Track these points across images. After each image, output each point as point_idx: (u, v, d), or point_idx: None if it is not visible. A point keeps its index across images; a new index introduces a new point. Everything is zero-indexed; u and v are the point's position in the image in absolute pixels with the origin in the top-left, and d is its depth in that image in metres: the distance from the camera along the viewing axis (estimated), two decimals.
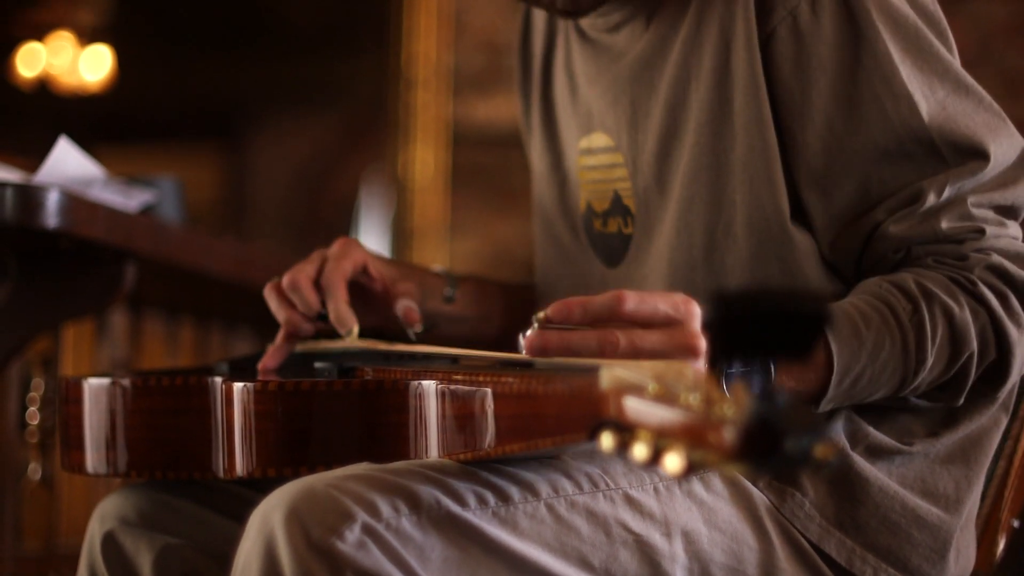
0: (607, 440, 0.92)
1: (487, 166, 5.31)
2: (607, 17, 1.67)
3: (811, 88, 1.47)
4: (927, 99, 1.46)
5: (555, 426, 1.12)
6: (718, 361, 0.89)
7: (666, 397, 0.92)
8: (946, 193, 1.44)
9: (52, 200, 1.96)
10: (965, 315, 1.41)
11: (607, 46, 1.69)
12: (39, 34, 6.57)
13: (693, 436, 0.84)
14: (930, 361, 1.40)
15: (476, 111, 5.35)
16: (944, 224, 1.44)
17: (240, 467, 1.35)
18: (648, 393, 0.94)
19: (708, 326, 0.90)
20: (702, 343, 1.21)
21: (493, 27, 5.28)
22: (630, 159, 1.65)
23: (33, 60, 6.60)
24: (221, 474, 1.41)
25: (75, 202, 2.01)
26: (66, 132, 2.21)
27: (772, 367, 0.89)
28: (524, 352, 1.24)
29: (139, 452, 1.47)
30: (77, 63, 6.59)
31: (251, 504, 1.50)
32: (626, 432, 0.93)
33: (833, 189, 1.48)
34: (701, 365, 1.20)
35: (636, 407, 0.95)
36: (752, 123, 1.50)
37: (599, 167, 1.71)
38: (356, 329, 1.60)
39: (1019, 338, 1.44)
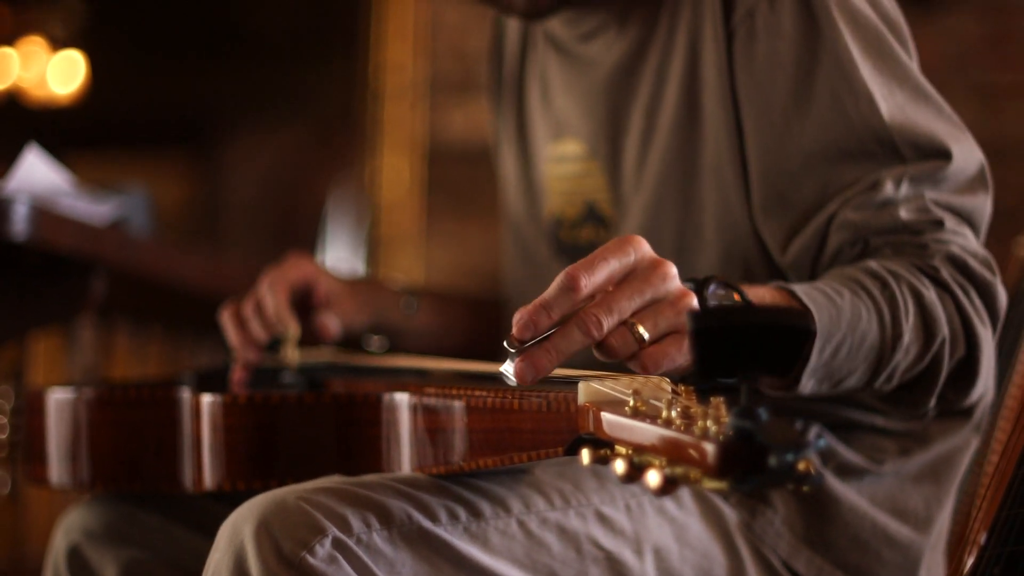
0: (586, 456, 0.91)
1: (459, 175, 5.31)
2: (579, 26, 1.66)
3: (770, 88, 1.46)
4: (886, 100, 1.43)
5: (531, 441, 1.11)
6: (699, 374, 0.88)
7: (645, 413, 0.91)
8: (903, 187, 1.40)
9: (20, 212, 1.95)
10: (932, 296, 1.34)
11: (580, 56, 1.69)
12: (10, 41, 6.54)
13: (674, 452, 0.83)
14: (906, 338, 1.31)
15: (448, 119, 5.35)
16: (903, 213, 1.40)
17: (209, 480, 1.35)
18: (627, 408, 0.93)
19: (690, 338, 0.87)
20: (669, 266, 1.13)
21: (464, 36, 5.27)
22: (610, 167, 1.65)
23: (4, 68, 6.56)
24: (189, 487, 1.40)
25: (43, 215, 2.00)
26: (36, 139, 2.20)
27: (754, 381, 0.87)
28: (515, 383, 1.12)
29: (104, 465, 1.46)
30: (49, 70, 6.56)
31: (218, 518, 1.49)
32: (604, 448, 0.92)
33: (792, 192, 1.45)
34: (679, 286, 1.13)
35: (614, 422, 0.94)
36: (721, 125, 1.49)
37: (570, 176, 1.71)
38: (294, 327, 1.62)
39: (985, 335, 1.37)
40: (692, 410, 0.88)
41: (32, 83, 6.54)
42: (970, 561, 1.62)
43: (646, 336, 1.10)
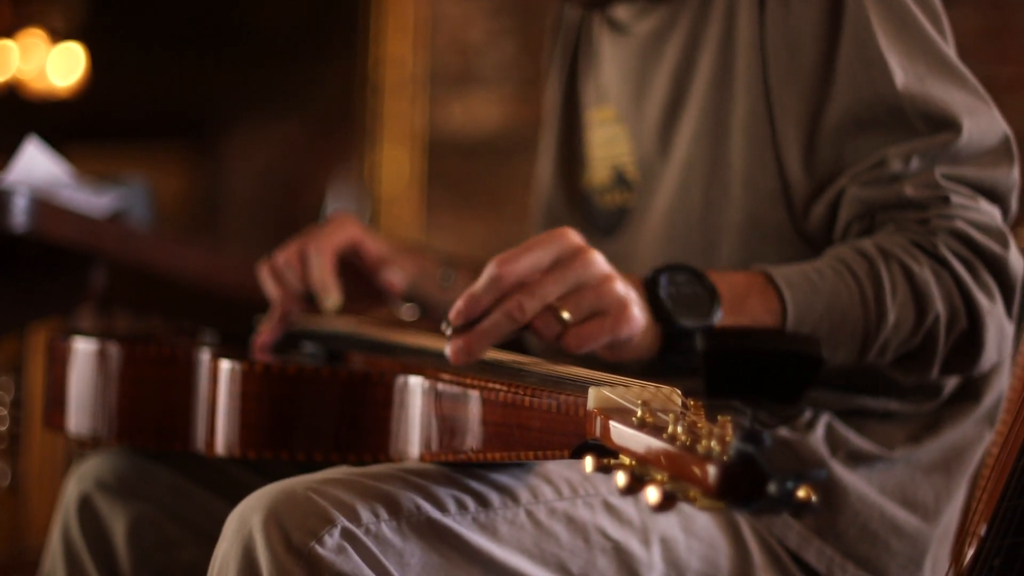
0: (589, 464, 0.92)
1: (458, 169, 5.31)
2: (631, 6, 1.68)
3: (798, 53, 1.48)
4: (904, 69, 1.44)
5: (538, 440, 1.12)
6: (705, 395, 0.89)
7: (652, 425, 0.92)
8: (913, 161, 1.42)
9: (19, 204, 1.95)
10: (925, 273, 1.37)
11: (629, 31, 1.70)
12: (10, 34, 6.54)
13: (676, 468, 0.84)
14: (891, 316, 1.36)
15: (448, 113, 5.35)
16: (908, 189, 1.42)
17: (221, 445, 1.36)
18: (634, 419, 0.95)
19: (700, 358, 0.89)
20: (593, 253, 1.21)
21: (464, 29, 5.27)
22: (633, 128, 1.66)
23: (4, 60, 6.56)
24: (201, 449, 1.41)
25: (43, 206, 2.00)
26: (36, 131, 2.20)
27: (759, 405, 0.88)
28: (452, 363, 1.24)
29: (121, 419, 1.48)
30: (48, 64, 6.56)
31: (230, 477, 1.50)
32: (609, 456, 0.93)
33: (812, 157, 1.48)
34: (602, 269, 1.21)
35: (621, 432, 0.95)
36: (753, 85, 1.51)
37: (603, 142, 1.72)
38: (336, 297, 1.62)
39: (991, 308, 1.40)
40: (699, 425, 0.89)
41: (32, 75, 6.54)
42: (970, 553, 1.62)
43: (567, 318, 1.19)
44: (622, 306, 1.20)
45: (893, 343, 1.38)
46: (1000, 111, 1.50)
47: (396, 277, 1.67)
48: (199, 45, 6.91)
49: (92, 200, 2.27)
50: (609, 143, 1.70)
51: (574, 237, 1.22)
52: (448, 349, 1.23)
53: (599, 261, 1.21)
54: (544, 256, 1.21)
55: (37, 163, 2.19)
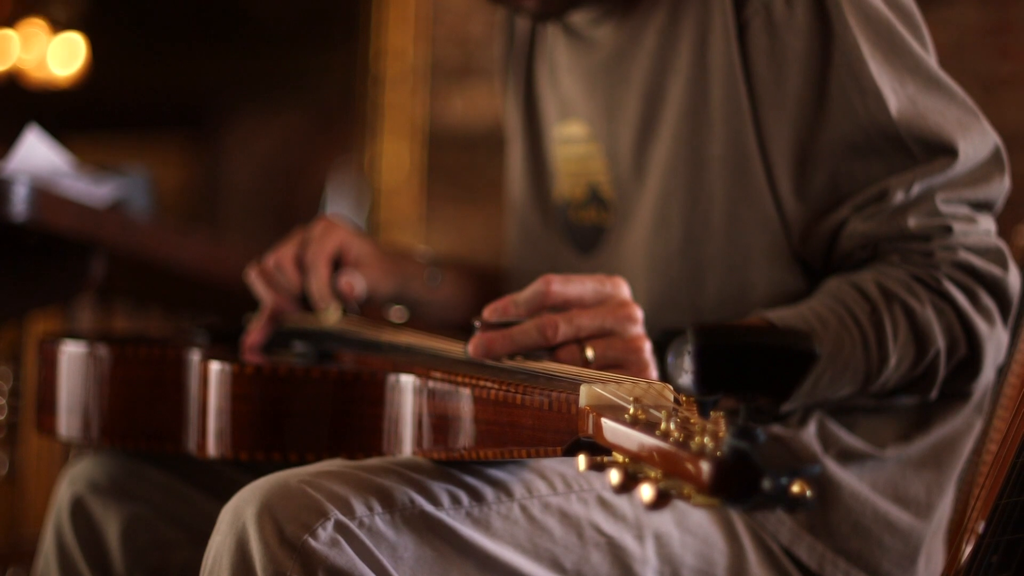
0: (583, 462, 0.92)
1: (458, 161, 5.30)
2: (589, 12, 1.66)
3: (786, 81, 1.47)
4: (896, 94, 1.45)
5: (531, 437, 1.12)
6: (699, 391, 0.89)
7: (644, 422, 0.92)
8: (914, 190, 1.44)
9: (19, 193, 1.95)
10: (927, 313, 1.41)
11: (586, 37, 1.69)
12: (11, 23, 6.54)
13: (669, 465, 0.84)
14: (893, 359, 1.40)
15: (448, 105, 5.34)
16: (911, 222, 1.44)
17: (212, 448, 1.35)
18: (627, 416, 0.94)
19: (692, 355, 0.89)
20: (636, 311, 1.25)
21: (465, 21, 5.26)
22: (608, 149, 1.65)
23: (4, 49, 6.56)
24: (193, 450, 1.41)
25: (43, 195, 2.00)
26: (36, 121, 2.20)
27: (753, 400, 0.88)
28: (469, 355, 1.26)
29: (112, 421, 1.48)
30: (49, 53, 6.56)
31: (222, 477, 1.50)
32: (602, 454, 0.93)
33: (805, 183, 1.48)
34: (638, 331, 1.25)
35: (614, 429, 0.95)
36: (731, 116, 1.50)
37: (575, 158, 1.71)
38: (335, 311, 1.63)
39: (990, 333, 1.44)
40: (692, 421, 0.89)
41: (32, 65, 6.54)
42: (968, 549, 1.61)
43: (591, 357, 1.23)
44: (641, 368, 1.25)
45: (894, 379, 1.42)
46: (1001, 107, 1.51)
47: (357, 281, 1.66)
48: (200, 35, 6.90)
49: (92, 189, 2.27)
50: (582, 160, 1.70)
51: (626, 289, 1.27)
52: (470, 342, 1.26)
53: (639, 319, 1.26)
54: (592, 293, 1.26)
55: (37, 152, 2.19)
